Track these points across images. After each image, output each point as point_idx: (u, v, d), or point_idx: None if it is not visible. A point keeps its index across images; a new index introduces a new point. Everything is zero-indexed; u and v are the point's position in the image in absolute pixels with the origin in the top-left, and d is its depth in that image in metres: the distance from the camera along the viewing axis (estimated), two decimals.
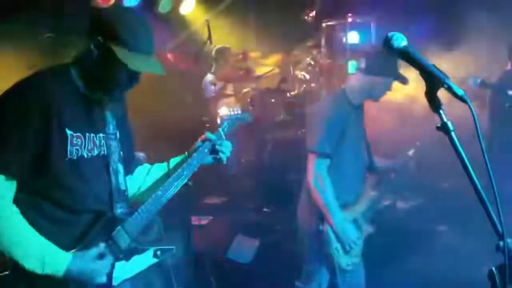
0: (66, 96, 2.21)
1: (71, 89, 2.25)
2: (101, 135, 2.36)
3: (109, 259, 2.31)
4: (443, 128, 1.56)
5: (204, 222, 5.95)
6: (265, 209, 6.42)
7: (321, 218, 3.66)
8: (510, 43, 5.32)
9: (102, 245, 2.30)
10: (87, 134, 2.28)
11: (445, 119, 1.57)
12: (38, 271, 2.12)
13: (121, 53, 2.15)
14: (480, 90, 5.29)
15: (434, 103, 1.57)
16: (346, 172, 3.73)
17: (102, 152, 2.36)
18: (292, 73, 8.08)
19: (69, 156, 2.20)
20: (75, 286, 2.20)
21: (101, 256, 2.29)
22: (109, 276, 2.33)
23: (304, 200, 3.86)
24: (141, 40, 2.21)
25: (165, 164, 2.72)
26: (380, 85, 3.67)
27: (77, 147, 2.22)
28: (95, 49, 2.20)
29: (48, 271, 2.13)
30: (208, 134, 2.67)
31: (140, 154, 4.21)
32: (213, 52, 7.73)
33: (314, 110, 4.01)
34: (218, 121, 2.80)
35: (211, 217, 6.08)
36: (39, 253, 2.13)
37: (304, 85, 7.92)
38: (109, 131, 2.40)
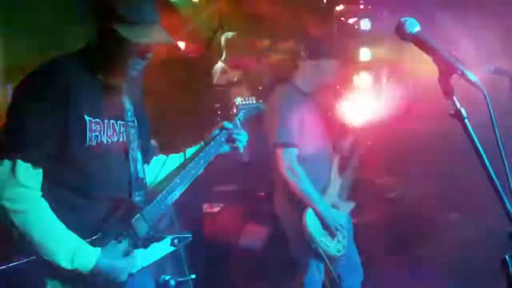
0: (82, 83, 2.23)
1: (86, 75, 2.27)
2: (120, 122, 2.37)
3: (133, 257, 2.34)
4: (457, 115, 1.55)
5: (215, 209, 5.96)
6: None
7: (297, 212, 3.64)
8: None
9: (126, 242, 2.31)
10: (106, 121, 2.29)
11: (458, 106, 1.55)
12: (68, 267, 2.13)
13: (124, 30, 2.16)
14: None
15: (447, 90, 1.56)
16: (313, 159, 3.71)
17: (122, 139, 2.37)
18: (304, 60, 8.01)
19: (88, 142, 2.21)
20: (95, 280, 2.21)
21: (126, 253, 2.32)
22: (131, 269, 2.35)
23: (280, 197, 3.84)
24: (142, 11, 2.21)
25: (181, 154, 2.75)
26: (324, 67, 3.63)
27: (96, 133, 2.24)
28: (101, 32, 2.22)
29: (76, 266, 2.14)
30: (225, 123, 2.72)
31: (152, 142, 4.22)
32: (223, 40, 7.70)
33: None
34: (234, 110, 2.83)
35: (222, 205, 6.09)
36: (69, 249, 2.14)
37: None
38: (128, 118, 2.42)
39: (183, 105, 6.51)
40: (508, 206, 1.50)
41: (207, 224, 4.93)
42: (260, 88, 7.23)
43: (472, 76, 1.52)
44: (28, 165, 2.10)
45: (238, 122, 2.79)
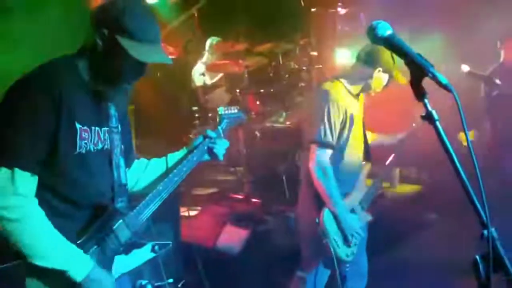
0: (74, 89, 2.20)
1: (78, 82, 2.23)
2: (105, 128, 2.35)
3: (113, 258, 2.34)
4: (428, 117, 1.56)
5: (193, 213, 5.94)
6: (254, 200, 6.41)
7: (318, 209, 3.65)
8: (502, 35, 5.33)
9: (110, 251, 2.32)
10: (93, 128, 2.27)
11: (430, 108, 1.56)
12: (62, 271, 2.12)
13: (127, 44, 2.13)
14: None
15: (419, 92, 1.57)
16: (346, 161, 3.73)
17: (106, 146, 2.36)
18: (281, 62, 8.05)
19: (78, 150, 2.19)
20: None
21: (111, 258, 2.32)
22: (110, 270, 2.34)
23: (304, 190, 3.85)
24: (147, 29, 2.20)
25: (163, 159, 2.73)
26: (377, 77, 3.66)
27: (85, 141, 2.22)
28: (101, 42, 2.17)
29: (71, 274, 2.13)
30: (209, 132, 2.71)
31: None
32: (207, 45, 7.71)
33: (313, 100, 3.99)
34: (217, 119, 2.85)
35: (200, 208, 6.07)
36: (65, 256, 2.13)
37: (294, 75, 7.89)
38: (112, 125, 2.40)
39: (160, 108, 6.49)
40: (478, 207, 1.51)
41: (185, 227, 4.90)
42: (238, 90, 7.24)
43: (443, 79, 1.52)
44: (26, 173, 2.08)
45: (221, 131, 2.80)
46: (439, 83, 1.52)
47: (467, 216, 1.59)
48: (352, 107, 3.73)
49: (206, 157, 2.71)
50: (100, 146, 2.31)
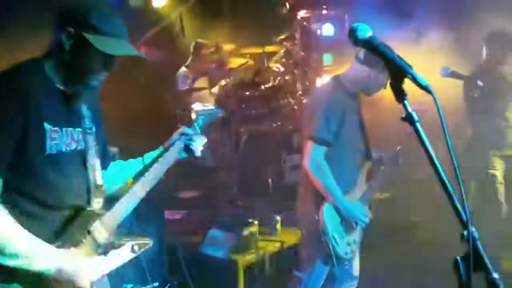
0: (42, 91, 2.19)
1: (46, 83, 2.23)
2: (78, 129, 2.35)
3: (93, 263, 2.30)
4: (408, 119, 1.57)
5: (178, 216, 5.92)
6: (239, 202, 6.40)
7: (317, 207, 3.67)
8: (484, 36, 5.37)
9: (86, 249, 2.28)
10: (65, 129, 2.26)
11: (409, 110, 1.57)
12: (31, 268, 2.10)
13: (94, 39, 2.15)
14: None
15: (399, 94, 1.58)
16: (344, 160, 3.75)
17: (80, 147, 2.35)
18: (266, 65, 8.06)
19: (48, 151, 2.17)
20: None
21: (87, 260, 2.28)
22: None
23: (302, 189, 3.87)
24: (112, 24, 2.23)
25: (139, 159, 2.72)
26: (375, 78, 3.68)
27: (56, 142, 2.21)
28: (67, 40, 2.18)
29: (40, 268, 2.11)
30: (184, 129, 2.70)
31: (113, 149, 4.18)
32: (192, 47, 7.70)
33: (311, 98, 4.02)
34: (193, 116, 2.84)
35: (185, 211, 6.05)
36: (34, 251, 2.11)
37: (279, 77, 7.90)
38: (86, 126, 2.39)
39: (144, 110, 6.46)
40: (458, 207, 1.52)
41: (169, 230, 4.89)
42: (223, 93, 7.23)
43: (423, 80, 1.54)
44: None
45: (197, 128, 2.78)
46: (418, 84, 1.54)
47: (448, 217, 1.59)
48: (350, 106, 3.76)
49: (183, 154, 2.69)
50: (73, 146, 2.30)
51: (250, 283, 4.87)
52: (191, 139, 2.68)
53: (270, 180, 6.42)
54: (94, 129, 2.43)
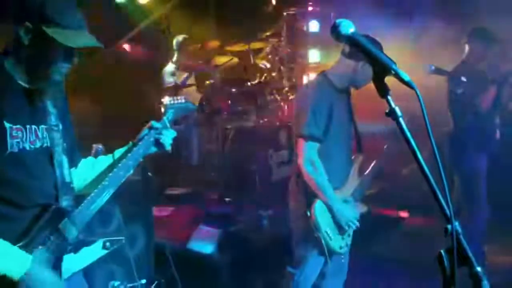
0: (1, 89, 2.18)
1: (6, 81, 2.21)
2: (43, 126, 2.31)
3: (62, 262, 2.30)
4: (391, 114, 1.58)
5: (165, 213, 5.91)
6: (227, 199, 6.41)
7: (309, 203, 3.67)
8: (468, 33, 5.40)
9: (54, 247, 2.26)
10: (28, 126, 2.23)
11: (393, 105, 1.58)
12: None
13: (53, 32, 2.14)
14: None
15: (382, 89, 1.59)
16: (334, 155, 3.74)
17: (45, 144, 2.31)
18: (252, 62, 8.06)
19: (9, 150, 2.15)
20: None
21: (56, 259, 2.27)
22: (59, 270, 2.31)
23: (293, 185, 3.87)
24: (69, 16, 2.21)
25: (110, 155, 2.69)
26: (361, 71, 3.67)
27: (18, 140, 2.18)
28: (25, 35, 2.16)
29: (7, 272, 2.08)
30: (153, 123, 2.66)
31: (99, 146, 4.16)
32: (174, 43, 7.68)
33: (299, 95, 4.01)
34: (163, 109, 2.82)
35: (172, 208, 6.04)
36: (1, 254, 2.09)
37: (265, 74, 7.91)
38: (51, 123, 2.36)
39: (130, 108, 6.44)
40: (442, 202, 1.53)
41: (157, 228, 4.88)
42: (210, 90, 7.23)
43: (405, 76, 1.55)
44: None
45: (166, 122, 2.74)
46: (401, 80, 1.54)
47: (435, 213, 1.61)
48: (338, 101, 3.75)
49: (153, 148, 2.66)
50: (38, 144, 2.28)
51: (238, 279, 4.88)
52: (160, 133, 2.64)
53: (257, 176, 6.43)
54: (60, 126, 2.40)
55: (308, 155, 3.63)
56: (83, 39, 2.24)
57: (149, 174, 4.55)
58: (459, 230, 1.53)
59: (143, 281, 4.19)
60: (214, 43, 8.00)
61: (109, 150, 4.02)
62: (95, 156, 2.75)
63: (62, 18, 2.17)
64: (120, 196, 3.81)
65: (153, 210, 4.98)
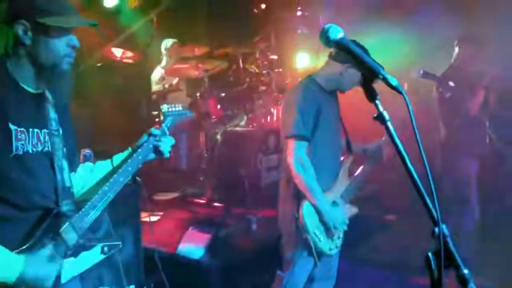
0: (5, 91, 2.17)
1: (9, 83, 2.21)
2: (45, 131, 2.32)
3: (59, 261, 2.27)
4: (379, 118, 1.59)
5: (154, 218, 5.89)
6: (216, 204, 6.41)
7: (298, 206, 3.67)
8: (458, 37, 5.45)
9: (50, 246, 2.25)
10: (31, 129, 2.24)
11: (381, 109, 1.60)
12: None
13: (51, 20, 2.16)
14: None
15: (370, 93, 1.60)
16: (323, 156, 3.75)
17: (46, 148, 2.32)
18: (241, 66, 8.07)
19: (14, 152, 2.16)
20: None
21: (52, 260, 2.25)
22: (58, 274, 2.29)
23: (283, 189, 3.87)
24: (62, 4, 2.25)
25: (108, 161, 2.70)
26: (347, 74, 3.69)
27: (22, 142, 2.19)
28: (24, 34, 2.17)
29: (1, 277, 2.07)
30: (153, 130, 2.70)
31: (87, 151, 4.15)
32: (162, 47, 7.68)
33: (286, 98, 4.03)
34: (161, 117, 2.85)
35: (161, 213, 6.03)
36: None
37: (254, 79, 7.93)
38: (52, 128, 2.37)
39: (120, 113, 6.42)
40: (430, 205, 1.54)
41: (146, 233, 4.86)
42: (198, 94, 7.23)
43: (393, 81, 1.56)
44: None
45: (165, 129, 2.79)
46: (389, 85, 1.56)
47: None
48: (326, 102, 3.76)
49: (152, 155, 2.69)
50: (39, 147, 2.28)
51: (228, 284, 4.87)
52: (159, 140, 2.68)
53: (246, 181, 6.43)
54: (61, 131, 2.41)
55: (297, 155, 3.64)
56: (80, 19, 2.28)
57: (138, 179, 4.54)
58: (446, 232, 1.55)
59: (132, 286, 4.18)
60: (203, 48, 8.01)
61: (97, 155, 4.02)
62: (83, 161, 2.76)
63: (55, 6, 2.20)
64: (109, 202, 3.86)
65: (141, 216, 4.98)
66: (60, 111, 2.43)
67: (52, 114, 2.38)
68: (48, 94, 2.32)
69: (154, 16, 7.88)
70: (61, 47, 2.23)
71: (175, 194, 6.76)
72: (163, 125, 2.78)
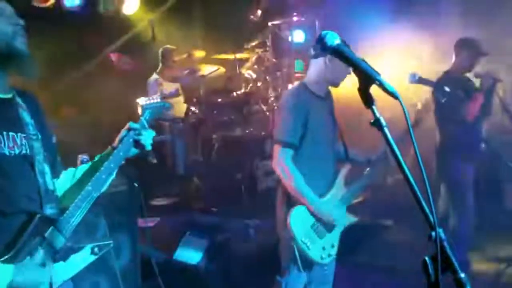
0: None
1: None
2: (21, 134, 2.31)
3: (48, 266, 2.26)
4: (376, 124, 1.60)
5: (151, 224, 5.88)
6: (213, 209, 6.41)
7: (286, 212, 3.66)
8: (455, 43, 5.46)
9: (38, 252, 2.24)
10: (5, 133, 2.24)
11: (377, 115, 1.61)
12: None
13: None
14: None
15: (367, 100, 1.61)
16: (315, 163, 3.73)
17: (24, 152, 2.30)
18: (238, 72, 8.09)
19: None
20: None
21: (42, 266, 2.23)
22: (50, 281, 2.27)
23: (279, 195, 3.87)
24: None
25: (89, 162, 2.66)
26: (332, 65, 3.67)
27: None
28: None
29: None
30: (131, 124, 2.62)
31: (84, 157, 4.15)
32: (159, 53, 7.68)
33: (280, 103, 4.04)
34: (139, 110, 2.80)
35: (158, 219, 6.02)
36: None
37: (251, 84, 7.94)
38: (30, 132, 2.35)
39: (116, 118, 6.41)
40: (426, 209, 1.55)
41: (143, 238, 4.86)
42: (195, 100, 7.24)
43: (390, 87, 1.57)
44: None
45: (144, 122, 2.71)
46: (385, 90, 1.57)
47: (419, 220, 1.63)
48: (317, 108, 3.75)
49: (134, 150, 2.62)
50: (17, 151, 2.27)
51: None
52: (139, 133, 2.60)
53: (243, 186, 6.44)
54: (39, 136, 2.40)
55: (279, 160, 3.65)
56: None
57: (135, 184, 4.54)
58: (443, 236, 1.55)
59: None
60: (199, 54, 8.02)
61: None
62: None
63: None
64: (106, 207, 3.85)
65: (138, 221, 4.97)
66: (34, 115, 2.42)
67: (28, 119, 2.37)
68: (18, 99, 2.32)
69: (151, 21, 7.88)
70: (4, 26, 2.24)
71: (172, 200, 6.75)
72: (142, 118, 2.69)
